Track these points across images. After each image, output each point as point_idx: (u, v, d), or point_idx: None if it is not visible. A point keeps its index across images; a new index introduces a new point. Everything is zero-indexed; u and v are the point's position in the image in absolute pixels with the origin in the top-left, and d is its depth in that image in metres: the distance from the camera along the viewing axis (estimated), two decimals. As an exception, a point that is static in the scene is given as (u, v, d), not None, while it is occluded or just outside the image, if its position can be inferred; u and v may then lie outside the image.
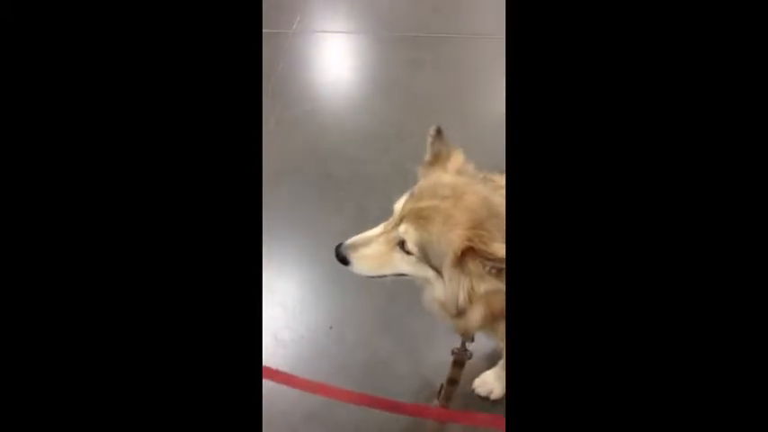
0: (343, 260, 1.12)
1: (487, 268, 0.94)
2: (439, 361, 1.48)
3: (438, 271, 1.03)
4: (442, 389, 1.34)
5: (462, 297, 0.98)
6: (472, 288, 0.97)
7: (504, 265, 0.90)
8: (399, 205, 1.10)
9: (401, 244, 1.06)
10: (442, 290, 1.04)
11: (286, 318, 1.82)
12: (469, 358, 1.33)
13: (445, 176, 1.09)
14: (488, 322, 1.05)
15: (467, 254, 0.95)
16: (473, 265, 0.95)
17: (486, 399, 1.56)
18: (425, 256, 1.03)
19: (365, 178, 2.26)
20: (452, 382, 1.33)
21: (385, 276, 1.13)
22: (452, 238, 0.97)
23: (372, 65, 3.01)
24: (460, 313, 1.02)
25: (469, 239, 0.95)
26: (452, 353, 1.32)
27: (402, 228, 1.04)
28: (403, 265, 1.09)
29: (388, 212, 1.13)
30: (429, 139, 1.15)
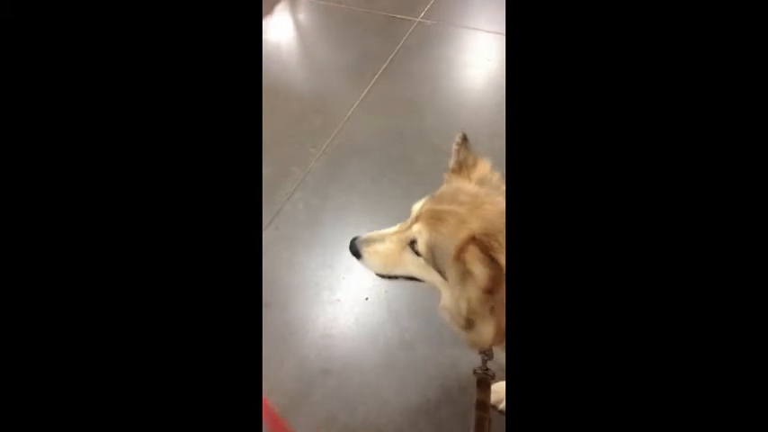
0: (356, 253, 1.11)
1: (485, 263, 0.85)
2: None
3: (443, 275, 0.98)
4: (476, 417, 1.14)
5: (464, 305, 0.93)
6: (473, 295, 0.91)
7: (502, 272, 0.84)
8: (417, 206, 1.07)
9: (412, 244, 1.03)
10: (449, 297, 0.99)
11: (330, 280, 1.97)
12: (492, 377, 1.19)
13: (468, 184, 1.05)
14: (501, 339, 0.96)
15: (467, 247, 0.89)
16: (470, 256, 0.88)
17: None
18: (432, 258, 0.99)
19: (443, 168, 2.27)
20: (481, 405, 1.13)
21: (396, 278, 1.11)
22: (460, 239, 0.92)
23: (488, 63, 2.85)
24: (469, 325, 0.97)
25: (475, 236, 0.89)
26: (474, 372, 1.21)
27: (416, 227, 1.01)
28: (411, 266, 1.06)
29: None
30: (455, 147, 1.11)
